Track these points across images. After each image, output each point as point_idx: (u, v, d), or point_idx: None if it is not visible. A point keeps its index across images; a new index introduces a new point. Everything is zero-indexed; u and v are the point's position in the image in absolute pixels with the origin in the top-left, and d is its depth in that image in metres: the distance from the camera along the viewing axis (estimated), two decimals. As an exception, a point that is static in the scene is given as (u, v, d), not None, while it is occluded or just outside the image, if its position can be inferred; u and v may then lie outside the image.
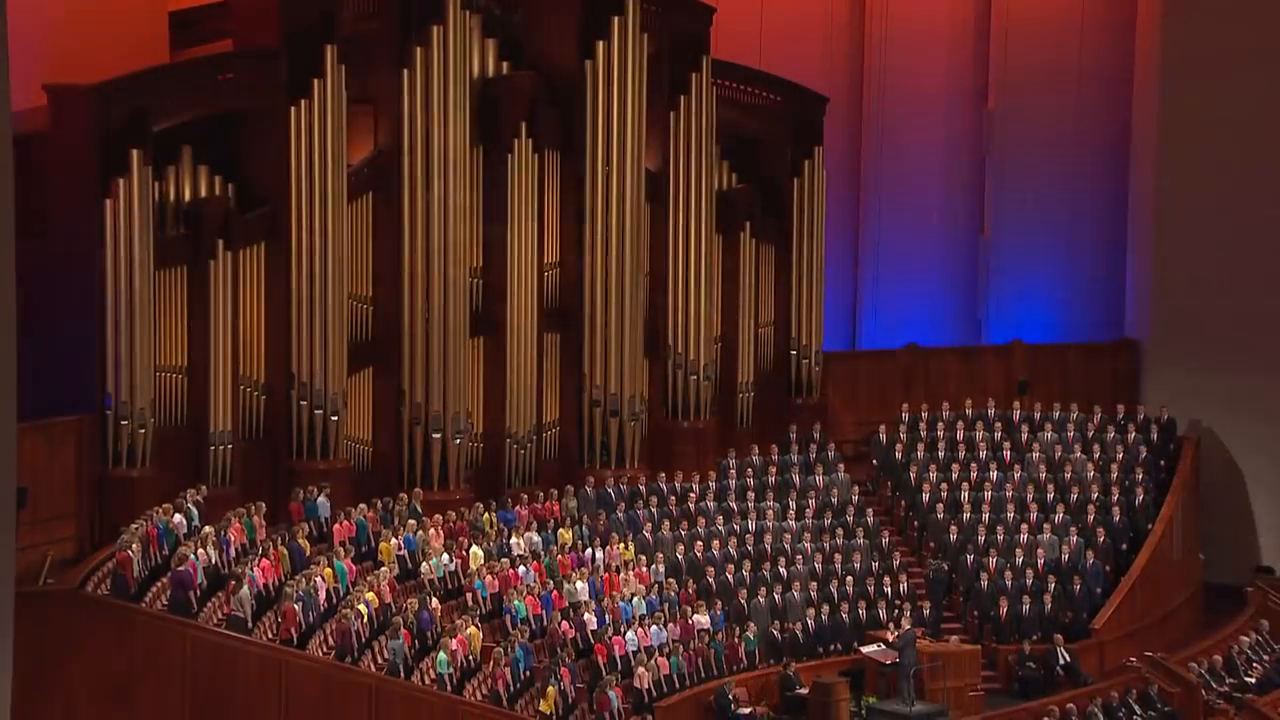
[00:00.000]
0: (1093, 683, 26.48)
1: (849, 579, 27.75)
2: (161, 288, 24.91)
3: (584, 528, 27.21)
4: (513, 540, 26.19)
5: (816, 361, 31.23)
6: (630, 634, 25.30)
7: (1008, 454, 30.26)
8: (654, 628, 25.63)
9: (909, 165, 32.97)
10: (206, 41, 27.20)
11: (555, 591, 25.57)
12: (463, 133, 27.13)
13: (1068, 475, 29.86)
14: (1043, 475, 29.85)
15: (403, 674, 22.59)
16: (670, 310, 29.56)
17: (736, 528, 28.16)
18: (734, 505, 28.60)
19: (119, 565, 21.80)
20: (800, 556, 27.91)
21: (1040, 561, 28.39)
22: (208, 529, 23.22)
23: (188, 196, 25.43)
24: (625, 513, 27.73)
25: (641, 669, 24.80)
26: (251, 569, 22.73)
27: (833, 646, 27.04)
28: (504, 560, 25.62)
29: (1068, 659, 27.11)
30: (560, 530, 26.87)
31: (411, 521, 25.65)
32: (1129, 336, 32.98)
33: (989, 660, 27.31)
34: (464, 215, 27.26)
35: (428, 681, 22.87)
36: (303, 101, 25.88)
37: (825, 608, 27.23)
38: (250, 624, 22.14)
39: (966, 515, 29.16)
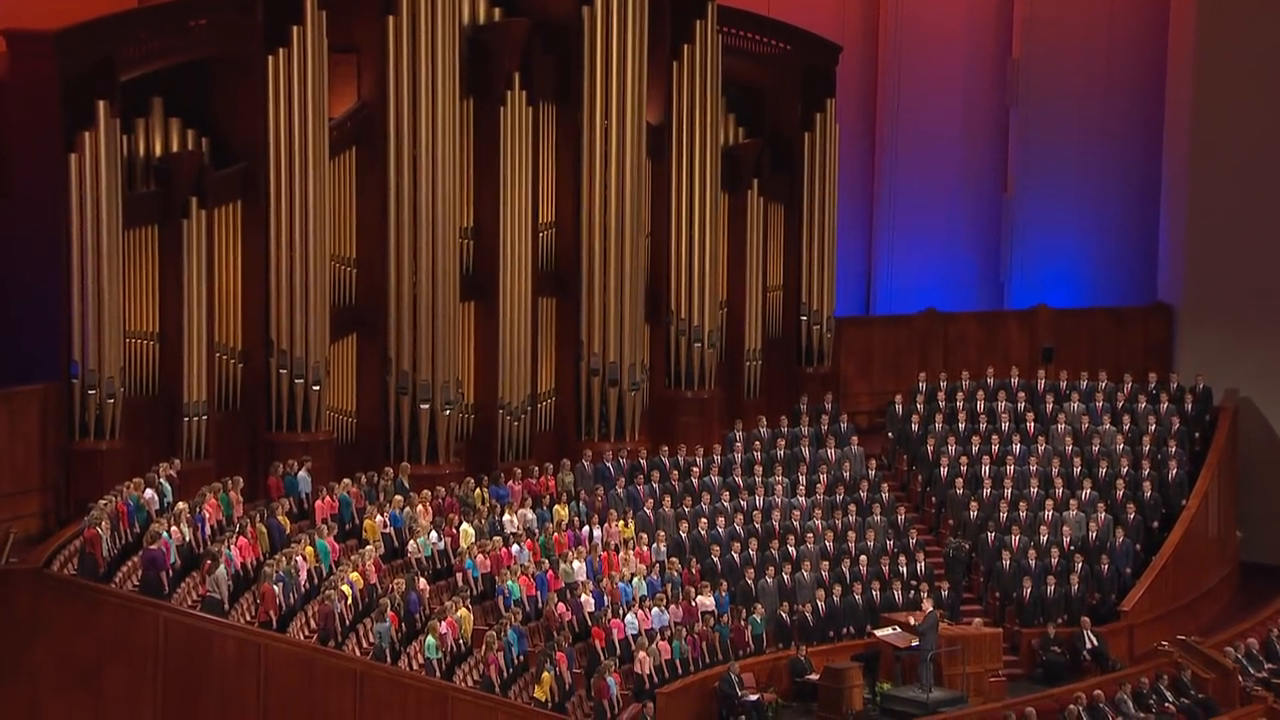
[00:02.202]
0: (1122, 668, 26.46)
1: (862, 558, 27.73)
2: (131, 248, 24.82)
3: (581, 504, 27.19)
4: (505, 517, 26.17)
5: (828, 328, 31.19)
6: (630, 616, 25.30)
7: (1031, 426, 30.21)
8: (655, 610, 25.63)
9: (927, 118, 32.86)
10: (178, -15, 27.07)
11: (551, 571, 25.55)
12: (452, 84, 27.01)
13: (1095, 448, 29.82)
14: (1069, 448, 29.81)
15: (389, 659, 22.58)
16: (673, 273, 29.50)
17: (743, 504, 28.15)
18: (740, 480, 28.57)
19: (87, 543, 21.77)
20: (810, 535, 27.90)
21: (1066, 540, 28.38)
22: (181, 505, 23.18)
23: (158, 151, 25.34)
24: (625, 488, 27.71)
25: (642, 653, 24.80)
26: (228, 548, 22.70)
27: (845, 630, 27.04)
28: (496, 538, 25.60)
29: (1095, 643, 27.10)
30: (556, 507, 26.85)
31: (398, 497, 25.63)
32: (1161, 300, 32.90)
33: (1011, 644, 27.33)
34: (453, 172, 27.15)
35: (415, 667, 22.86)
36: (281, 50, 25.78)
37: (837, 589, 27.22)
38: (226, 606, 22.11)
39: (987, 491, 29.13)
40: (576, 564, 25.79)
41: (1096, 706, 24.49)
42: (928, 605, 26.29)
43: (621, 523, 26.97)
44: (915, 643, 25.60)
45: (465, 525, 25.67)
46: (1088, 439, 30.00)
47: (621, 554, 26.46)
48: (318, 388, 26.23)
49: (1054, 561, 28.00)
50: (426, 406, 27.03)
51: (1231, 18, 31.72)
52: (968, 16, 33.01)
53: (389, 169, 26.87)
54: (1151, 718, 24.58)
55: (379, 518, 25.12)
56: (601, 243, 28.61)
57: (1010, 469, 29.44)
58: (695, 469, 28.48)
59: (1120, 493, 29.11)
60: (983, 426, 30.22)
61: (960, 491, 29.10)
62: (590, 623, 25.12)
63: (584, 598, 25.33)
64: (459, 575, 25.07)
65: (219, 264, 25.75)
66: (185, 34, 25.40)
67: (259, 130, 25.79)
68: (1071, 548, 28.29)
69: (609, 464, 27.97)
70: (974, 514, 28.75)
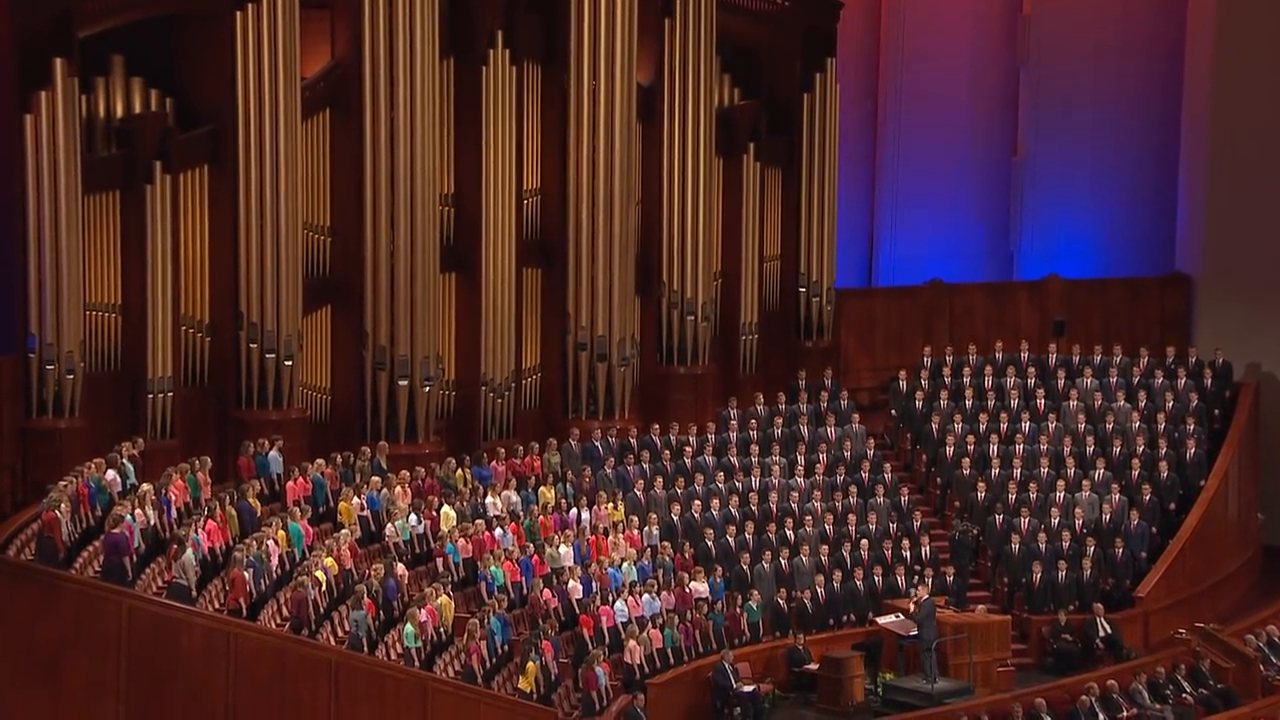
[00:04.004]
0: (1136, 657, 26.47)
1: (864, 542, 27.72)
2: (91, 215, 24.74)
3: (568, 485, 27.16)
4: (488, 499, 26.14)
5: (828, 300, 31.18)
6: (620, 603, 25.27)
7: (1042, 403, 30.21)
8: (646, 596, 25.59)
9: (933, 79, 32.82)
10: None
11: (536, 556, 25.52)
12: (431, 42, 26.93)
13: (1109, 426, 29.81)
14: (1081, 426, 29.81)
15: (366, 648, 22.54)
16: (664, 242, 29.48)
17: (738, 485, 28.12)
18: (735, 460, 28.54)
19: (45, 527, 21.68)
20: (809, 517, 27.88)
21: (1078, 522, 28.37)
22: (146, 487, 23.10)
23: (119, 112, 25.28)
24: (614, 469, 27.69)
25: (632, 642, 24.78)
26: (195, 531, 22.64)
27: (845, 617, 27.03)
28: (479, 522, 25.56)
29: (1108, 631, 27.11)
30: (541, 488, 26.82)
31: (375, 478, 25.58)
32: (1179, 271, 32.90)
33: (1020, 632, 27.33)
34: (433, 135, 27.09)
35: (394, 657, 22.82)
36: (249, 5, 25.71)
37: (837, 574, 27.20)
38: (194, 593, 22.05)
39: (995, 471, 29.12)
40: (563, 548, 25.76)
41: (1110, 697, 24.47)
42: (923, 592, 26.22)
43: (611, 505, 26.93)
44: (917, 631, 25.57)
45: (446, 508, 25.63)
46: (1101, 417, 29.98)
47: (611, 538, 26.43)
48: (290, 363, 26.17)
49: (1065, 545, 27.99)
50: (405, 383, 26.98)
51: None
52: (976, -29, 33.00)
53: (364, 132, 26.81)
54: (1168, 709, 24.56)
55: (355, 500, 25.08)
56: (589, 211, 28.56)
57: (1019, 448, 29.44)
58: (688, 448, 28.45)
59: (1135, 473, 29.09)
60: (990, 403, 30.21)
61: (967, 472, 29.08)
62: (578, 610, 25.08)
63: (571, 584, 25.30)
64: (439, 560, 25.01)
65: (185, 232, 25.69)
66: (149, -12, 25.35)
67: (226, 90, 25.70)
68: (1084, 531, 28.28)
69: (597, 443, 27.94)
70: (981, 495, 28.74)
